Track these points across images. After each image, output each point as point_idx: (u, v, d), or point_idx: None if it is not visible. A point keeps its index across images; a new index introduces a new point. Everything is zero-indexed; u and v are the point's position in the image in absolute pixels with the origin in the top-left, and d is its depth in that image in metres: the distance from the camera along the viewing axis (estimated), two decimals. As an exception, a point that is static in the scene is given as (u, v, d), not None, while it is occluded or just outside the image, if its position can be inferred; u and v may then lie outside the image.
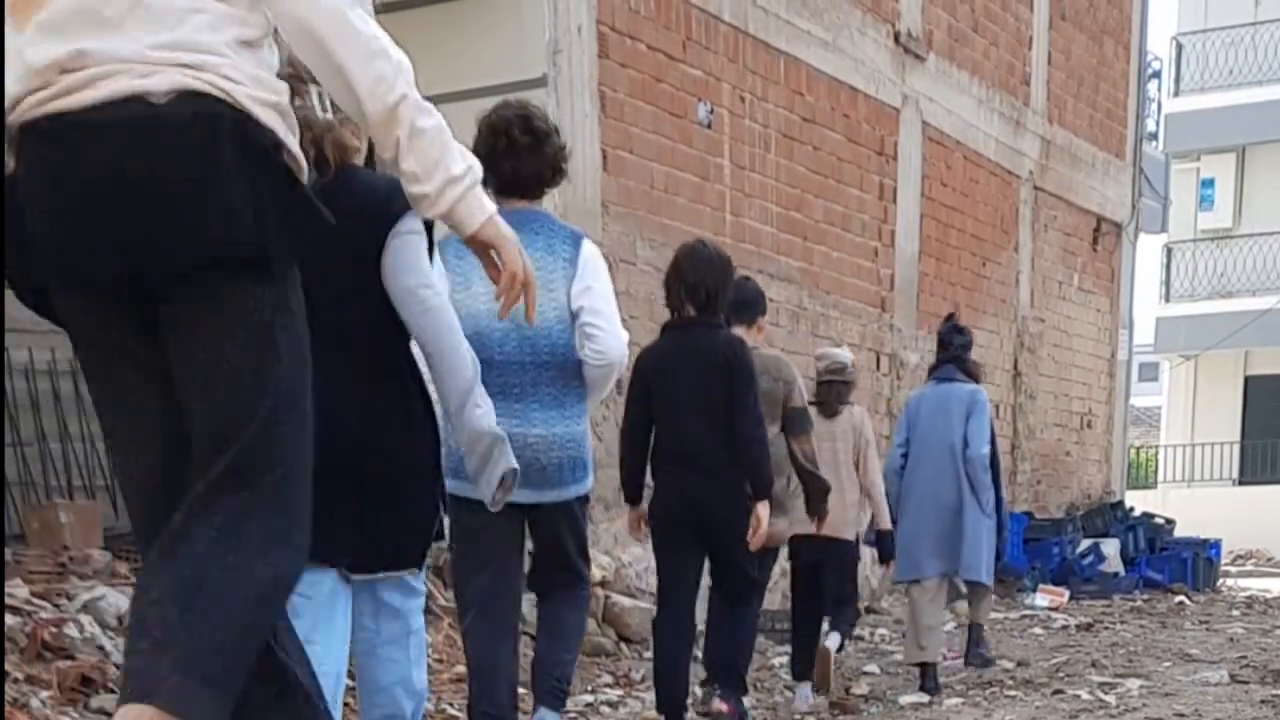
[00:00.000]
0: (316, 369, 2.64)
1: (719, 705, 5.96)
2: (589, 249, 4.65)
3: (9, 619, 5.92)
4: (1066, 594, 12.90)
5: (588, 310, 4.55)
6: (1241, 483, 25.78)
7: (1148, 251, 23.57)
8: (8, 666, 5.63)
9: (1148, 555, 14.19)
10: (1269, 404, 25.84)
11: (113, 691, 5.58)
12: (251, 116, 2.47)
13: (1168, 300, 26.73)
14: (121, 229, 2.42)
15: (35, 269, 2.49)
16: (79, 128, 2.41)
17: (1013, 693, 7.86)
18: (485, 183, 2.83)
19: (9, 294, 2.58)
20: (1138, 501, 18.13)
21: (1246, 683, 7.94)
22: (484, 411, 3.46)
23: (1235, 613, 12.97)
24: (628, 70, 9.74)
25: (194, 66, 2.44)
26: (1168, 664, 9.20)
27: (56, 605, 6.33)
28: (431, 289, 3.48)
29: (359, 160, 3.63)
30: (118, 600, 6.58)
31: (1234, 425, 26.45)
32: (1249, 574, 18.99)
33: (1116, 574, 13.47)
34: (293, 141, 2.55)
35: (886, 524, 7.73)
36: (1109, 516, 14.11)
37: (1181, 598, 13.31)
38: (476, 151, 3.22)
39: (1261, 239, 25.71)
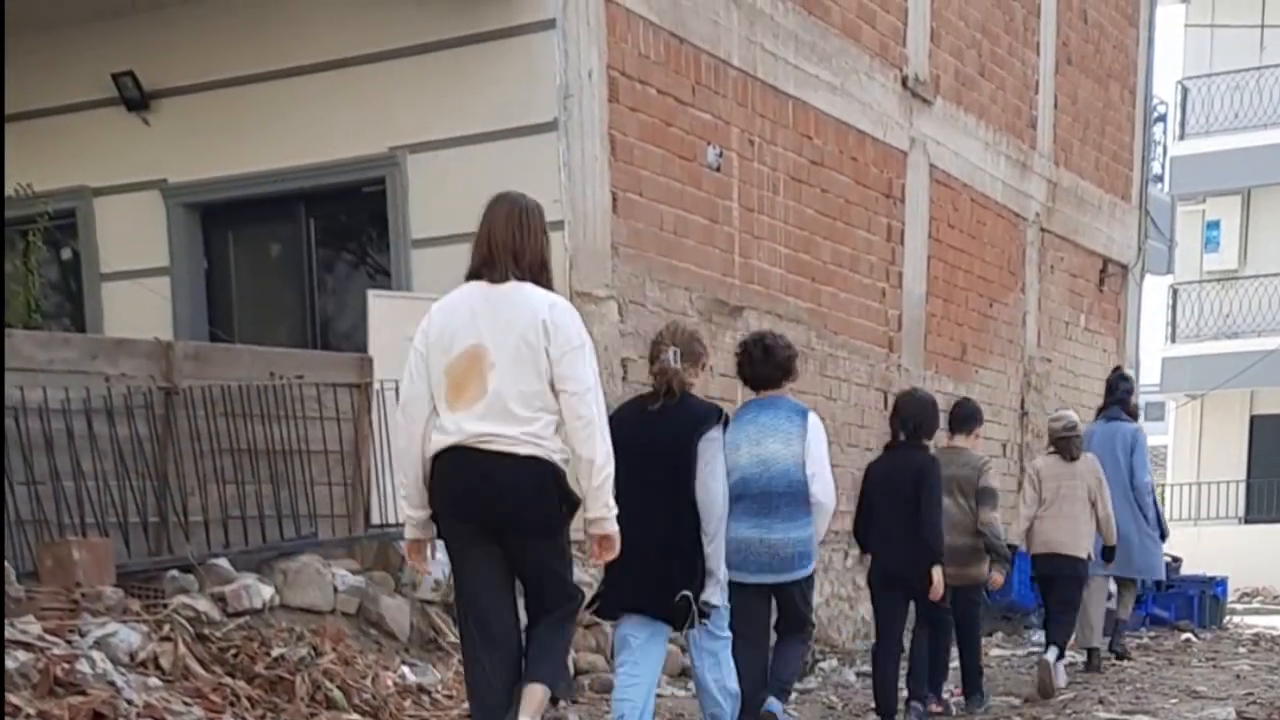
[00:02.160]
0: (654, 501, 5.73)
1: (934, 707, 8.29)
2: (812, 419, 6.83)
3: (21, 655, 5.97)
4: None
5: (812, 463, 6.75)
6: (1247, 521, 25.77)
7: (1154, 292, 23.64)
8: (19, 702, 5.68)
9: (1154, 593, 14.15)
10: (1274, 443, 25.84)
11: (127, 727, 5.63)
12: (558, 466, 5.13)
13: (1173, 341, 26.75)
14: (500, 506, 5.12)
15: (442, 508, 5.20)
16: (489, 459, 5.06)
17: (1020, 730, 7.90)
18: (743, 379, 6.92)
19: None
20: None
21: (1254, 719, 7.96)
22: (718, 552, 5.98)
23: (1242, 650, 12.95)
24: (637, 114, 9.83)
25: (537, 443, 5.09)
26: (1174, 700, 9.22)
27: (69, 641, 6.39)
28: (712, 467, 5.94)
29: (693, 389, 6.11)
30: (129, 636, 6.65)
31: (1239, 464, 26.44)
32: (1255, 611, 18.98)
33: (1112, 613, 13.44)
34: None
35: (1113, 541, 10.00)
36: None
37: (1188, 635, 13.30)
38: (739, 362, 6.98)
39: (1267, 280, 25.76)
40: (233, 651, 6.93)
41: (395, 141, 9.72)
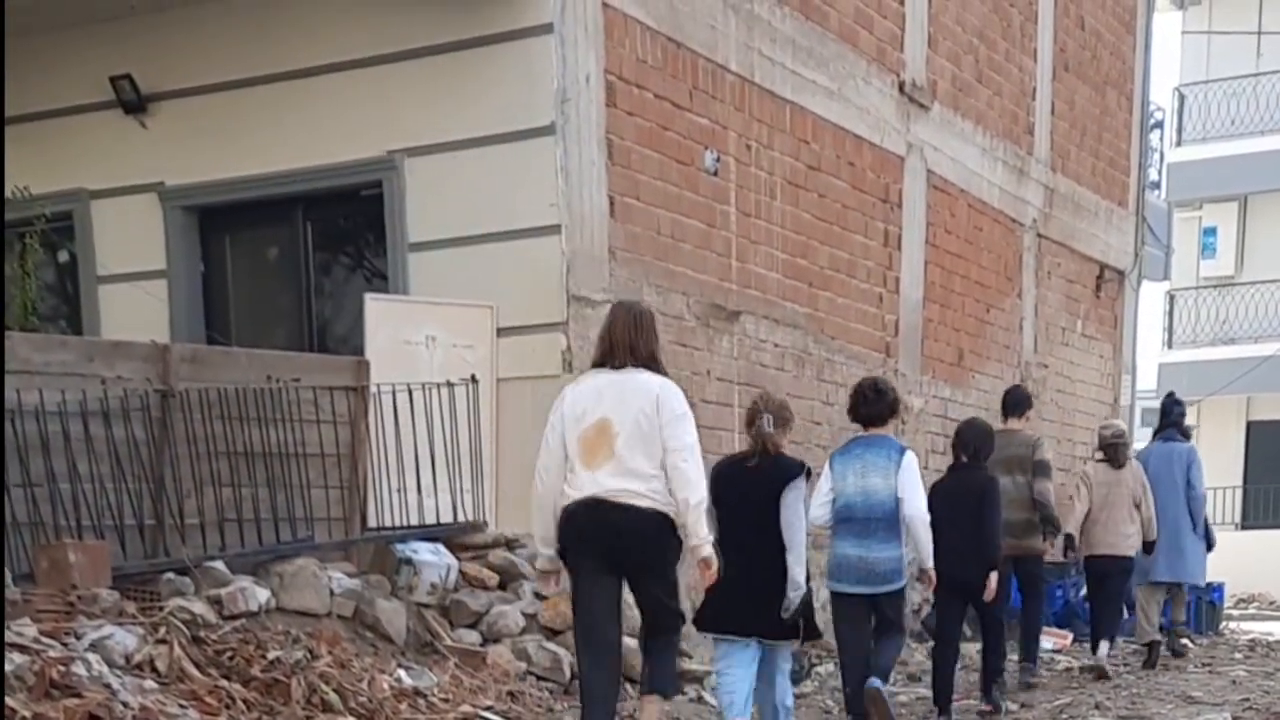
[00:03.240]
0: (750, 540, 6.82)
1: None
2: (908, 457, 7.81)
3: (17, 658, 5.96)
4: (1070, 636, 12.90)
5: (902, 490, 7.72)
6: (1244, 527, 25.75)
7: (1150, 298, 23.64)
8: (14, 704, 5.68)
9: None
10: (1271, 449, 25.84)
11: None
12: (671, 516, 6.33)
13: (1170, 347, 26.77)
14: (623, 547, 6.34)
15: (573, 546, 6.42)
16: (616, 509, 6.27)
17: (1016, 736, 7.91)
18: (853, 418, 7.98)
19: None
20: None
21: (1249, 725, 7.99)
22: (801, 568, 6.93)
23: (1238, 656, 12.97)
24: (635, 119, 9.84)
25: (654, 497, 6.30)
26: (1171, 706, 9.24)
27: (64, 644, 6.38)
28: (794, 510, 6.96)
29: (782, 448, 7.13)
30: (125, 639, 6.64)
31: (1236, 470, 26.44)
32: (1251, 617, 18.99)
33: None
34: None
35: (1154, 537, 11.13)
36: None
37: (1185, 640, 13.31)
38: (852, 402, 8.07)
39: (1263, 286, 25.78)
40: (229, 654, 6.93)
41: (393, 145, 9.72)
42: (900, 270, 13.04)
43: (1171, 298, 26.63)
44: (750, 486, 6.97)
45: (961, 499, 8.73)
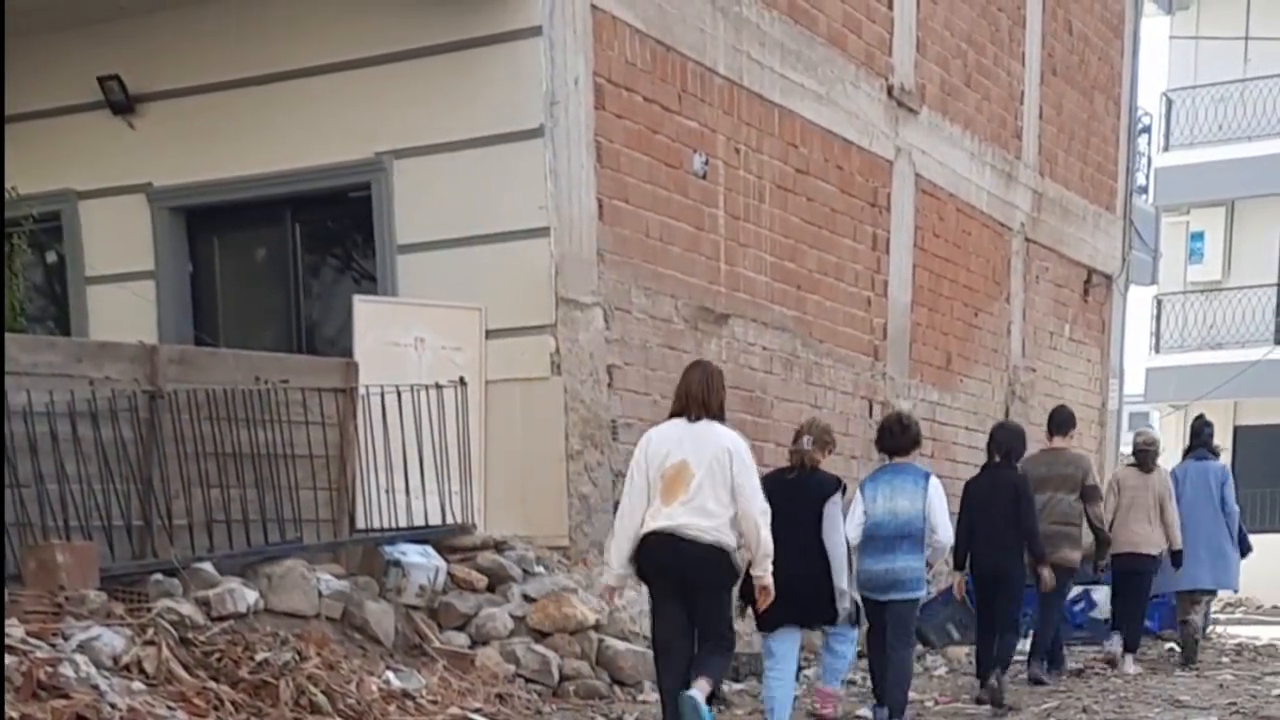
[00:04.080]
0: (793, 544, 7.58)
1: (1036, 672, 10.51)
2: (932, 482, 8.62)
3: (5, 659, 5.95)
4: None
5: (933, 516, 8.52)
6: (1232, 532, 25.78)
7: (1138, 303, 23.71)
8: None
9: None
10: (1258, 454, 25.86)
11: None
12: (731, 550, 7.14)
13: (1158, 351, 26.81)
14: (691, 573, 7.07)
15: (650, 570, 7.17)
16: (685, 541, 7.03)
17: (1004, 739, 7.91)
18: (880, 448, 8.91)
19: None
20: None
21: (1236, 729, 8.00)
22: (842, 565, 8.05)
23: (1225, 660, 12.99)
24: (624, 121, 9.85)
25: (719, 534, 7.06)
26: (1158, 710, 9.25)
27: (52, 645, 6.37)
28: (833, 522, 8.01)
29: (819, 465, 8.17)
30: (113, 640, 6.63)
31: (1224, 476, 26.45)
32: (1238, 621, 19.00)
33: (1108, 621, 13.46)
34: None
35: (1179, 544, 11.72)
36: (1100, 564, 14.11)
37: (1172, 644, 13.32)
38: (879, 434, 8.95)
39: (1250, 291, 25.83)
40: (216, 656, 6.93)
41: (382, 147, 9.73)
42: (888, 274, 13.06)
43: (1159, 302, 26.68)
44: (791, 497, 7.91)
45: (997, 497, 9.59)
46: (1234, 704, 9.45)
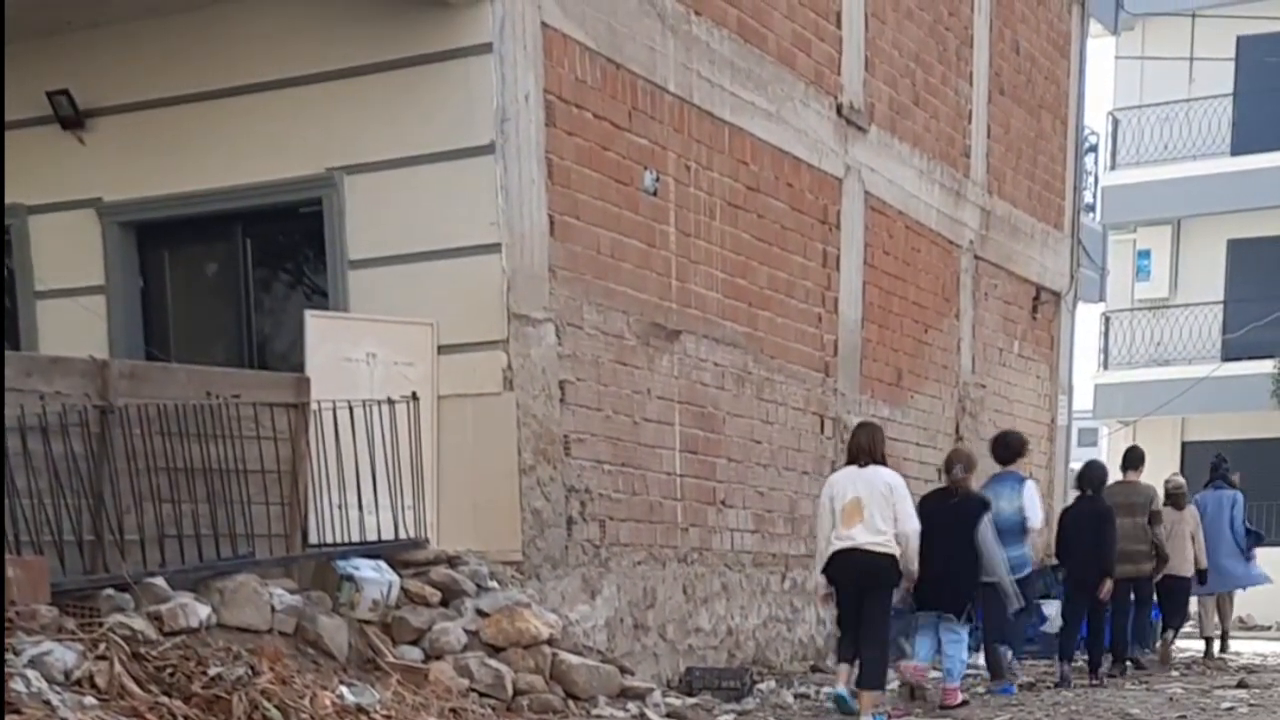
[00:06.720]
0: (948, 551, 10.19)
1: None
2: (1029, 484, 11.89)
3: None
4: (1009, 654, 12.97)
5: (1026, 510, 11.65)
6: (1180, 546, 26.01)
7: (1086, 320, 23.93)
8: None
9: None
10: (1205, 469, 26.09)
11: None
12: (896, 558, 9.51)
13: (1106, 367, 27.05)
14: (867, 579, 9.49)
15: (839, 578, 9.63)
16: (862, 553, 9.43)
17: (953, 749, 7.96)
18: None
19: None
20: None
21: (1185, 742, 8.07)
22: (999, 562, 10.75)
23: (1175, 673, 13.12)
24: (574, 138, 9.89)
25: (888, 547, 9.47)
26: (1107, 723, 9.33)
27: (3, 660, 6.34)
28: (985, 538, 10.46)
29: (969, 486, 10.75)
30: (64, 655, 6.60)
31: (1172, 491, 26.66)
32: (1189, 635, 19.13)
33: (1058, 634, 13.56)
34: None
35: (1205, 565, 14.52)
36: (1050, 578, 14.23)
37: (1144, 658, 13.52)
38: (991, 447, 12.50)
39: (1196, 309, 26.10)
40: (169, 670, 6.89)
41: (332, 162, 9.73)
42: (839, 290, 13.15)
43: (1107, 319, 26.93)
44: (948, 514, 10.30)
45: (1088, 522, 12.10)
46: (1184, 717, 9.55)
